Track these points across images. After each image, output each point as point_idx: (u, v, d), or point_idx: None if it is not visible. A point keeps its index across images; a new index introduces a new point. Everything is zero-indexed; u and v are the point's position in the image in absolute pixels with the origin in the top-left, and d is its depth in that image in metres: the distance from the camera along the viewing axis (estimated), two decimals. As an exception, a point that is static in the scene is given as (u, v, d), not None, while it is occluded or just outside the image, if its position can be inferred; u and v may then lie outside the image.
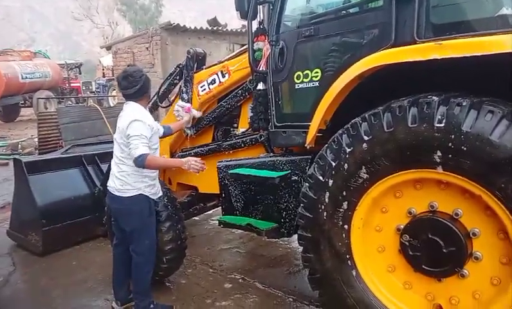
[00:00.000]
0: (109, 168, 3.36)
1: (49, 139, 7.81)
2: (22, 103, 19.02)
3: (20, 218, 4.97)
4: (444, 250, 2.35)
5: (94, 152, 5.46)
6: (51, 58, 22.26)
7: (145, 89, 3.21)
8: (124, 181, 3.13)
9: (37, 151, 8.59)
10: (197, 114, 4.04)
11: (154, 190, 3.29)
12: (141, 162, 2.95)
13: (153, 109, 4.64)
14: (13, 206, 5.11)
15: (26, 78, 17.82)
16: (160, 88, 4.48)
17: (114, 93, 17.79)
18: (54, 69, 19.85)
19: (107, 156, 3.39)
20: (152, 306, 3.37)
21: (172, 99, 4.47)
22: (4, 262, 4.58)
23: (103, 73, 24.57)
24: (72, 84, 22.21)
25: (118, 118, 3.24)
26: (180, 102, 4.07)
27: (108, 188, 3.28)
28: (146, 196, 3.20)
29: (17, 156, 7.36)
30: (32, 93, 18.12)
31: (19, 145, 11.24)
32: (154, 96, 4.60)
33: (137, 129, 2.99)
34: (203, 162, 3.22)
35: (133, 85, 3.13)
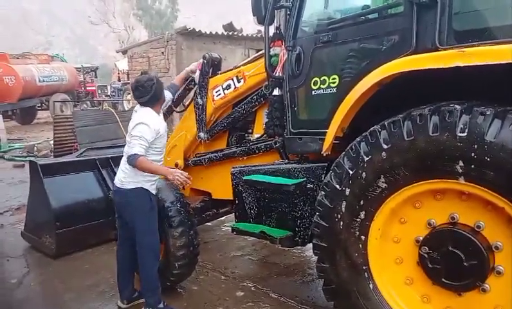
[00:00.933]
0: None
1: (65, 142, 7.88)
2: (38, 106, 19.38)
3: (34, 220, 5.01)
4: (465, 264, 2.28)
5: (108, 156, 5.48)
6: (67, 62, 22.61)
7: (156, 97, 3.36)
8: (127, 173, 3.28)
9: (52, 154, 8.68)
10: None
11: (154, 186, 3.39)
12: (132, 160, 3.13)
13: (168, 114, 4.64)
14: (28, 208, 5.15)
15: (43, 81, 18.16)
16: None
17: (128, 97, 17.95)
18: (70, 73, 20.18)
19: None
20: (161, 305, 3.39)
21: (186, 104, 4.45)
22: (18, 264, 4.61)
23: (119, 77, 24.82)
24: (88, 88, 22.53)
25: (131, 120, 3.39)
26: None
27: (114, 182, 3.43)
28: (146, 189, 3.30)
29: (32, 159, 7.45)
30: (49, 96, 18.45)
31: (35, 148, 11.39)
32: (168, 101, 4.59)
33: (140, 131, 3.17)
34: (189, 177, 3.28)
35: (145, 95, 3.30)
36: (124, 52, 16.34)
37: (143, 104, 3.33)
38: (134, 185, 3.26)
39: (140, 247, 3.35)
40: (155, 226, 3.39)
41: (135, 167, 3.15)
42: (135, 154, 3.11)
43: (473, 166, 2.12)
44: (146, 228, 3.32)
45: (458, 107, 2.17)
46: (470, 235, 2.27)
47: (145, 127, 3.18)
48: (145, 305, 3.42)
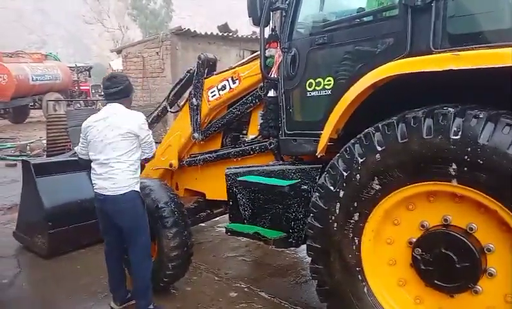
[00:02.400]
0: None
1: (58, 141, 7.84)
2: (31, 105, 19.22)
3: (26, 220, 4.96)
4: (458, 265, 2.29)
5: (102, 156, 5.44)
6: (61, 61, 22.45)
7: (126, 91, 3.32)
8: (116, 179, 3.14)
9: (45, 153, 8.62)
10: None
11: (139, 185, 3.33)
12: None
13: (162, 114, 4.63)
14: (20, 208, 5.11)
15: (36, 80, 18.02)
16: (170, 93, 4.47)
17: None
18: (64, 72, 20.03)
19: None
20: (151, 306, 3.36)
21: (181, 104, 4.45)
22: (9, 264, 4.57)
23: (113, 76, 24.62)
24: (81, 87, 22.37)
25: (101, 118, 3.20)
26: None
27: (95, 191, 3.28)
28: (137, 191, 3.25)
29: (25, 158, 7.39)
30: (42, 95, 18.31)
31: (28, 147, 11.30)
32: (163, 101, 4.59)
33: (147, 127, 3.38)
34: None
35: (115, 86, 3.25)
36: (118, 52, 16.25)
37: (111, 95, 3.25)
38: (126, 190, 3.16)
39: (135, 250, 3.30)
40: (148, 226, 3.38)
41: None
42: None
43: (466, 169, 2.13)
44: (141, 231, 3.29)
45: (451, 110, 2.18)
46: (462, 237, 2.28)
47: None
48: (137, 306, 3.39)
